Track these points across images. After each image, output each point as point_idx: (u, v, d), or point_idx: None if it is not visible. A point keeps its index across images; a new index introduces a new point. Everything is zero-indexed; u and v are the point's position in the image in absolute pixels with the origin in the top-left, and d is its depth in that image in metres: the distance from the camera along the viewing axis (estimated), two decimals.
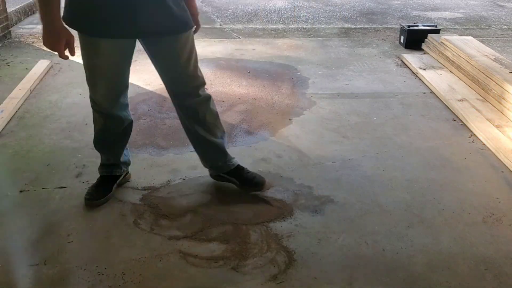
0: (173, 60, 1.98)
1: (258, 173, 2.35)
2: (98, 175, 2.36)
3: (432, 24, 4.89)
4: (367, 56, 4.43)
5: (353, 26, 5.51)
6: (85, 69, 1.99)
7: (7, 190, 2.31)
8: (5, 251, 1.92)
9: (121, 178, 2.32)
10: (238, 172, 2.30)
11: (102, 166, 2.30)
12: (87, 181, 2.39)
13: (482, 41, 4.34)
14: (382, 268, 1.87)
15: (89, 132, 2.89)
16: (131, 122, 2.22)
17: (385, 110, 3.28)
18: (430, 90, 3.62)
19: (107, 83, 2.01)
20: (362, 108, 3.29)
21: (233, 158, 2.32)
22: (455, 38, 4.15)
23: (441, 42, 4.16)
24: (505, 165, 2.59)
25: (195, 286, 1.78)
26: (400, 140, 2.86)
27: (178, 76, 2.04)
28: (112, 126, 2.16)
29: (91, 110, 3.15)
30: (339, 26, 5.50)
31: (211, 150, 2.25)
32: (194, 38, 2.04)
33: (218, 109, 3.30)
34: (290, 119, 3.11)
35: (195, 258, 1.90)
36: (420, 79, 3.84)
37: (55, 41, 1.74)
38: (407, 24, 4.72)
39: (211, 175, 2.38)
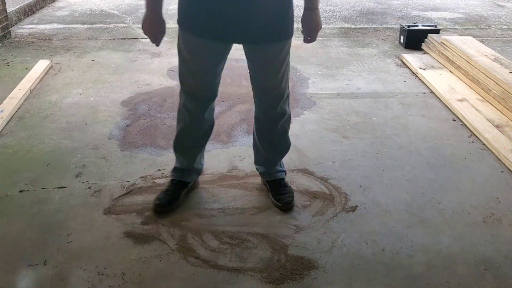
0: (264, 65, 2.08)
1: (290, 194, 2.25)
2: (97, 176, 2.35)
3: (432, 24, 4.89)
4: (367, 56, 4.43)
5: (353, 26, 5.50)
6: (180, 63, 2.05)
7: (7, 190, 2.31)
8: (5, 251, 1.92)
9: (189, 186, 2.28)
10: (275, 184, 2.28)
11: (175, 170, 2.28)
12: (87, 181, 2.39)
13: (482, 41, 4.34)
14: (382, 268, 1.87)
15: (89, 132, 2.90)
16: (212, 124, 2.22)
17: (385, 110, 3.28)
18: (430, 90, 3.62)
19: (201, 81, 2.06)
20: (362, 108, 3.29)
21: (282, 171, 2.33)
22: (455, 38, 4.15)
23: (441, 42, 4.16)
24: (505, 165, 2.59)
25: (195, 286, 1.78)
26: (400, 140, 2.86)
27: (264, 82, 2.11)
28: (196, 126, 2.15)
29: (91, 110, 3.20)
30: (339, 26, 5.50)
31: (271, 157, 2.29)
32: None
33: (218, 109, 3.28)
34: None
35: (195, 258, 1.90)
36: (420, 79, 3.84)
37: (155, 29, 1.93)
38: (407, 24, 4.72)
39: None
